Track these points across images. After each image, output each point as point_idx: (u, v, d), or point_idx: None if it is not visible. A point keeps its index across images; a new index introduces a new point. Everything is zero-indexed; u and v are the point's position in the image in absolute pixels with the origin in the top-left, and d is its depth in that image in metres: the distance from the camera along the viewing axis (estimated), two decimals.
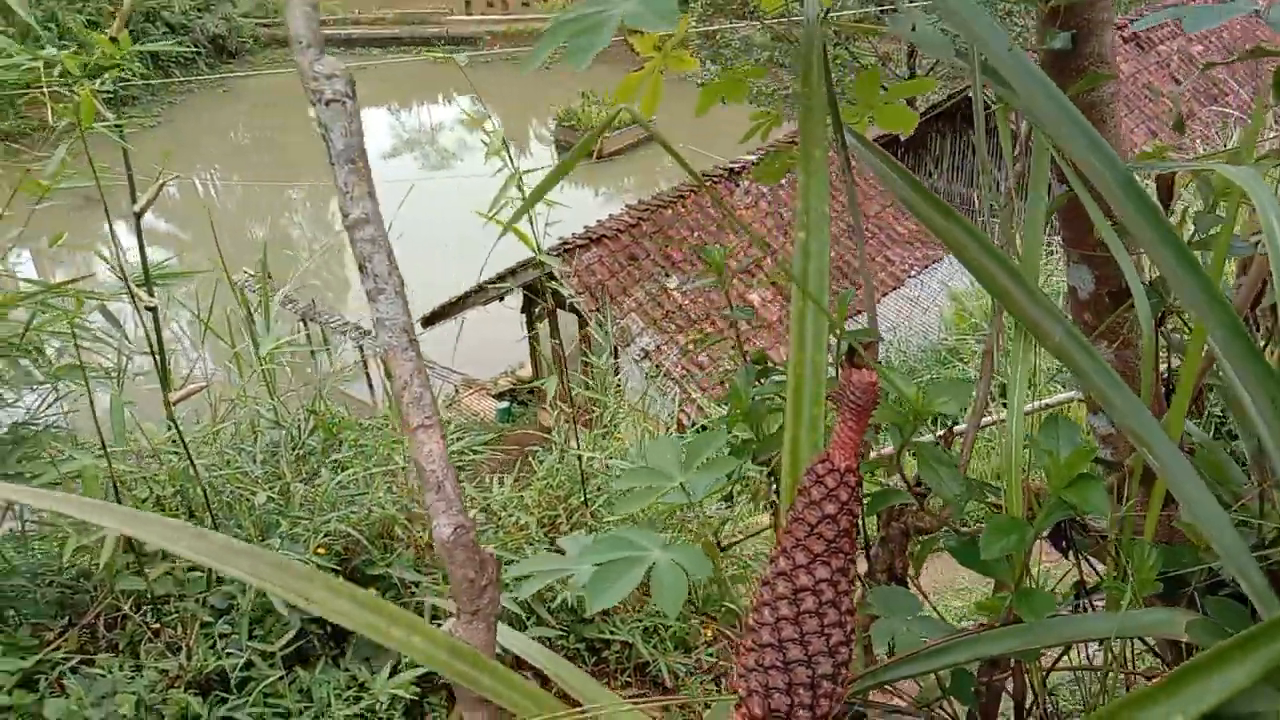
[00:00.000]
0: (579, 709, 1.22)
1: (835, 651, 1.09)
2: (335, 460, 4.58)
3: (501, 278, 12.65)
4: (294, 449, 4.63)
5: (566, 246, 12.16)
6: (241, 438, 4.72)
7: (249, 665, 3.34)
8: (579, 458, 4.60)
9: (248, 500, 4.02)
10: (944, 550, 1.52)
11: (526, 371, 14.73)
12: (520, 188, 3.64)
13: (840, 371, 1.47)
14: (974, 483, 1.31)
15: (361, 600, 1.20)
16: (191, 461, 3.45)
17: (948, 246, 1.36)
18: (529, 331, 13.66)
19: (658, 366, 11.41)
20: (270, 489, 4.14)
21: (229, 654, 3.28)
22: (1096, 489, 1.16)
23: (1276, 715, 1.23)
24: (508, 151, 3.73)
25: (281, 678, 3.37)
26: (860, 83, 1.81)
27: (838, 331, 1.36)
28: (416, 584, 3.85)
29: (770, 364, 1.77)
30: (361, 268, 1.20)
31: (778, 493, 1.58)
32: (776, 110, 1.87)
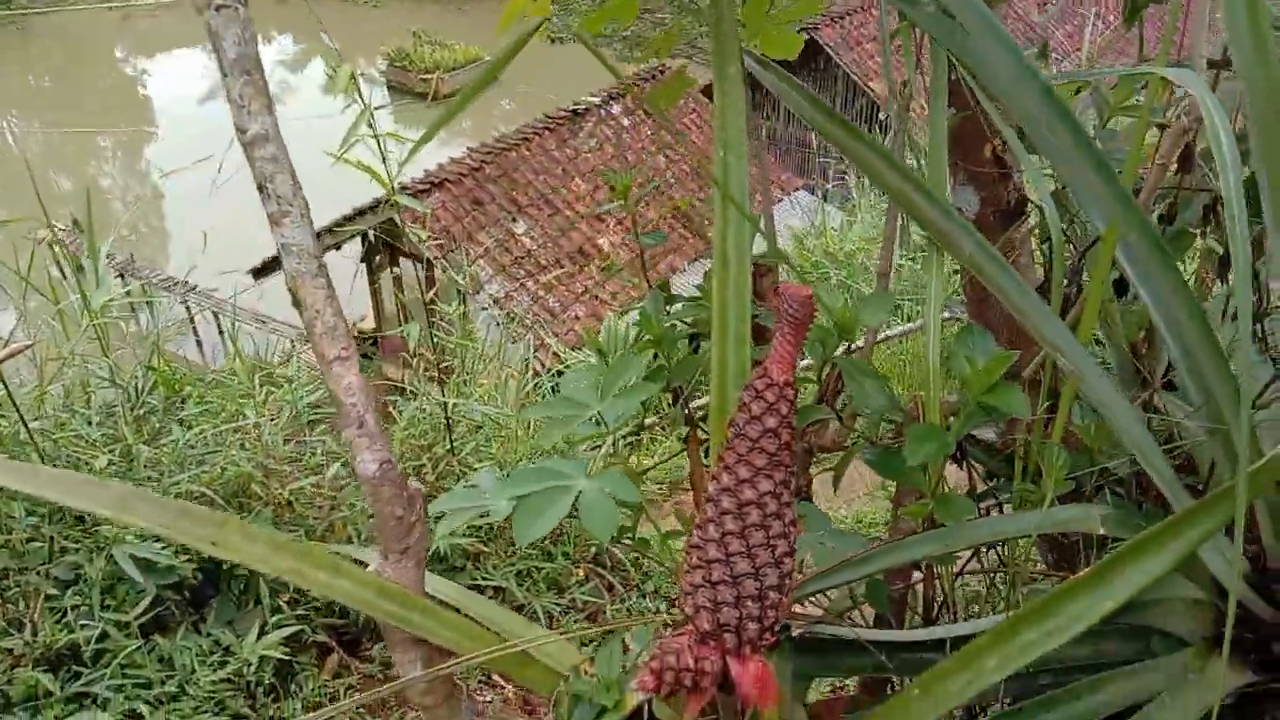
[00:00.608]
0: (513, 642, 1.18)
1: (780, 563, 1.09)
2: (180, 419, 4.33)
3: (340, 224, 12.18)
4: (133, 409, 4.35)
5: (409, 191, 11.78)
6: (73, 400, 4.41)
7: (104, 637, 3.14)
8: (444, 405, 4.50)
9: (88, 465, 3.76)
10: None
11: (369, 323, 14.29)
12: (371, 125, 3.47)
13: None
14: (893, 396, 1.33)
15: (279, 544, 1.13)
16: (24, 423, 3.18)
17: (855, 164, 1.37)
18: (371, 281, 13.23)
19: (509, 314, 11.27)
20: (110, 452, 3.88)
21: (82, 626, 3.08)
22: (1015, 393, 1.20)
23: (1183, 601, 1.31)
24: (358, 88, 3.55)
25: (139, 647, 3.19)
26: (749, 4, 1.79)
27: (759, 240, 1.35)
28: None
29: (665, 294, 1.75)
30: (262, 188, 1.10)
31: (689, 421, 1.58)
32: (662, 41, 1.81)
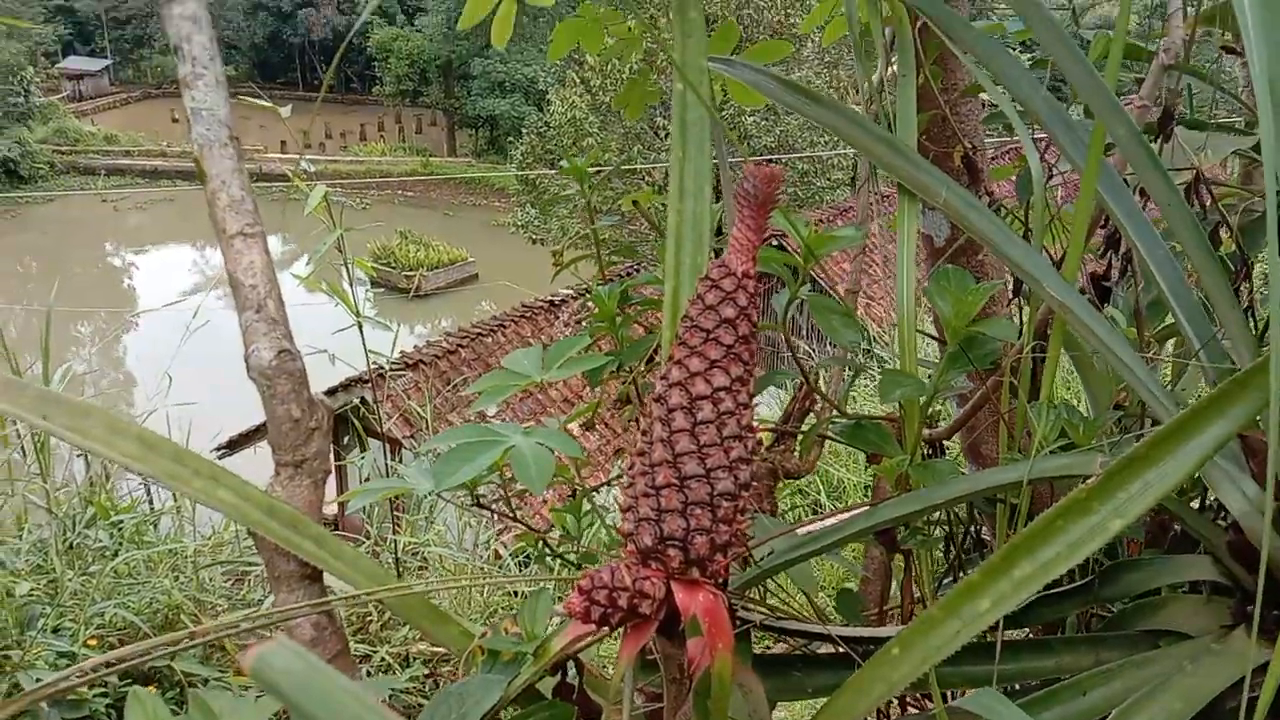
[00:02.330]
0: (422, 581, 1.00)
1: (735, 468, 0.94)
2: (103, 546, 4.14)
3: None
4: (66, 541, 4.17)
5: (382, 371, 11.76)
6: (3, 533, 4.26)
7: None
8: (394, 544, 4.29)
9: (8, 590, 3.52)
10: None
11: (331, 509, 13.93)
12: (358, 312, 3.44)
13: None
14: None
15: (153, 443, 0.97)
16: None
17: (831, 130, 1.31)
18: (337, 461, 12.98)
19: (475, 497, 10.98)
20: (36, 579, 3.68)
21: None
22: (1003, 320, 1.09)
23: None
24: (329, 212, 3.56)
25: None
26: (718, 35, 1.79)
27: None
28: (205, 680, 3.41)
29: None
30: (177, 50, 1.01)
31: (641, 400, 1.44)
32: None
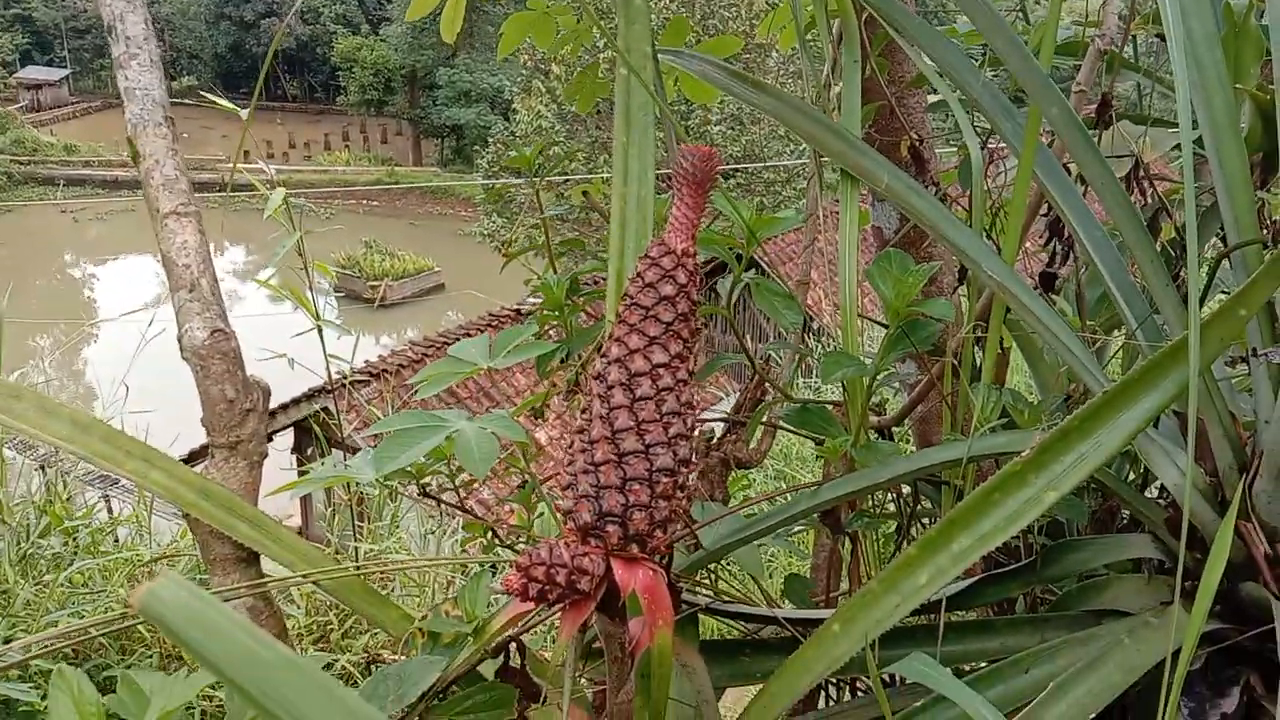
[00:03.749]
0: (366, 563, 0.99)
1: (675, 444, 0.94)
2: (58, 555, 4.07)
3: (272, 414, 11.95)
4: (19, 550, 4.10)
5: (345, 381, 11.65)
6: None
7: None
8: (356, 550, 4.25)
9: None
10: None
11: (295, 520, 13.77)
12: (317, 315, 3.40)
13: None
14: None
15: (85, 425, 0.95)
16: None
17: (775, 117, 1.32)
18: (300, 473, 12.84)
19: (439, 503, 10.90)
20: None
21: None
22: (942, 301, 1.10)
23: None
24: (289, 213, 3.53)
25: None
26: (670, 29, 1.80)
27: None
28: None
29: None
30: (110, 30, 1.00)
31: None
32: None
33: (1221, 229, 1.18)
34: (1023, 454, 0.93)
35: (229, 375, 0.96)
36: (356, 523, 5.39)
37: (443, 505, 1.40)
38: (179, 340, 0.96)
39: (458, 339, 12.34)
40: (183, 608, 0.43)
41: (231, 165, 1.89)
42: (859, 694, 1.38)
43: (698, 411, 0.97)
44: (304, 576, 0.95)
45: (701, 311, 1.07)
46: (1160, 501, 1.21)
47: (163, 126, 0.99)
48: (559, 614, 0.93)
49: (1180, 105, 0.80)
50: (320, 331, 3.55)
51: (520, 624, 0.99)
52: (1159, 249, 1.24)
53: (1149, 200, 1.44)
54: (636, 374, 0.94)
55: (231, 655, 0.44)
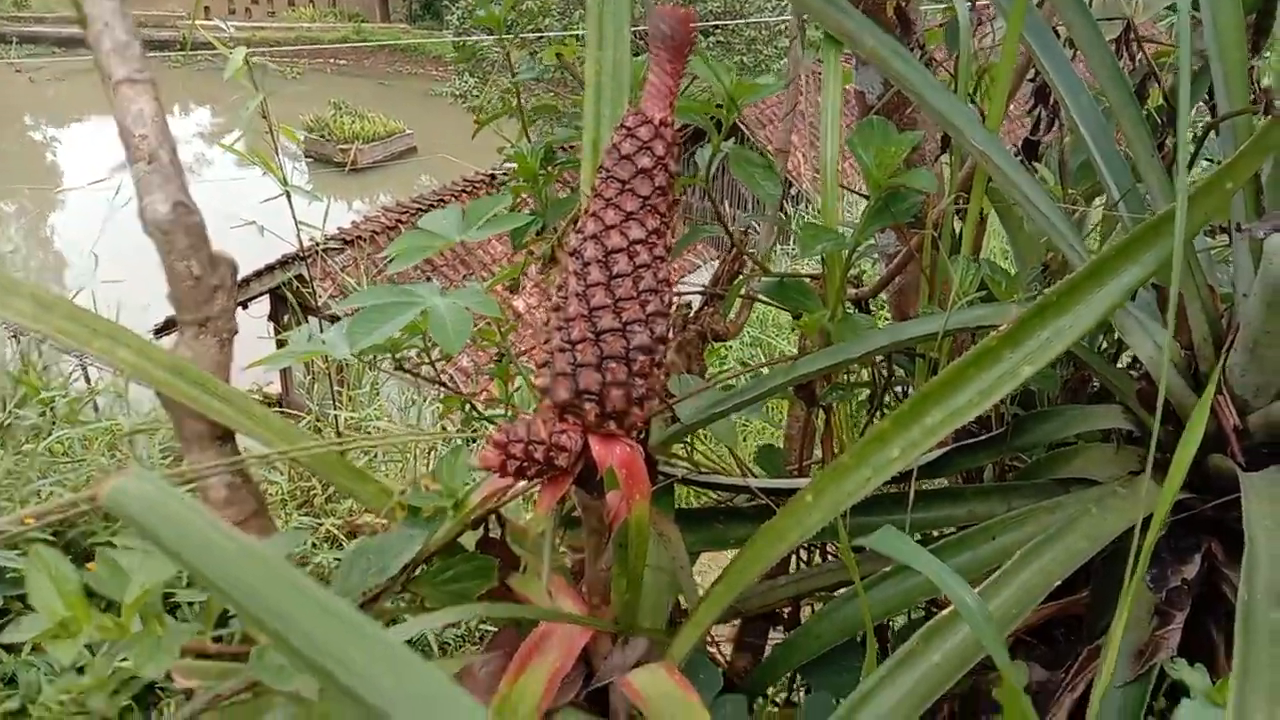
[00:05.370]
0: (347, 438, 0.99)
1: (651, 322, 0.93)
2: (35, 425, 4.07)
3: (246, 281, 11.83)
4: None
5: (318, 248, 11.50)
6: None
7: None
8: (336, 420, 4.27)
9: None
10: None
11: (275, 388, 13.80)
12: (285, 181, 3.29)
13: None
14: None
15: (47, 303, 0.93)
16: None
17: None
18: (278, 341, 12.80)
19: (415, 377, 10.94)
20: None
21: None
22: (924, 172, 1.08)
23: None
24: (253, 78, 3.40)
25: None
26: None
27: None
28: None
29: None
30: None
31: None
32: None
33: (1210, 96, 1.15)
34: (999, 328, 0.93)
35: (193, 250, 0.94)
36: (336, 390, 5.41)
37: (419, 379, 1.40)
38: (140, 214, 0.93)
39: (432, 205, 12.16)
40: (146, 499, 0.43)
41: (190, 22, 1.81)
42: (829, 558, 1.42)
43: (674, 285, 0.96)
44: (281, 453, 0.95)
45: (679, 183, 1.05)
46: (1132, 373, 1.22)
47: None
48: (537, 488, 0.94)
49: None
50: (289, 198, 3.47)
51: (499, 498, 1.00)
52: (1144, 116, 1.22)
53: (1136, 65, 1.41)
54: (613, 250, 0.92)
55: (197, 548, 0.44)
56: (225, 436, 0.98)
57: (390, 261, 1.24)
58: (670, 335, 0.95)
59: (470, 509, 0.95)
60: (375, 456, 4.35)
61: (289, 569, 0.45)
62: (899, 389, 1.58)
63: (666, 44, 0.93)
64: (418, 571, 0.96)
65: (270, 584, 0.44)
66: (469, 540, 1.06)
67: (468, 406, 1.45)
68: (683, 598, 1.18)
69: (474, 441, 1.62)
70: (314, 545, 3.66)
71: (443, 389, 1.44)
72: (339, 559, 3.36)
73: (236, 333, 1.00)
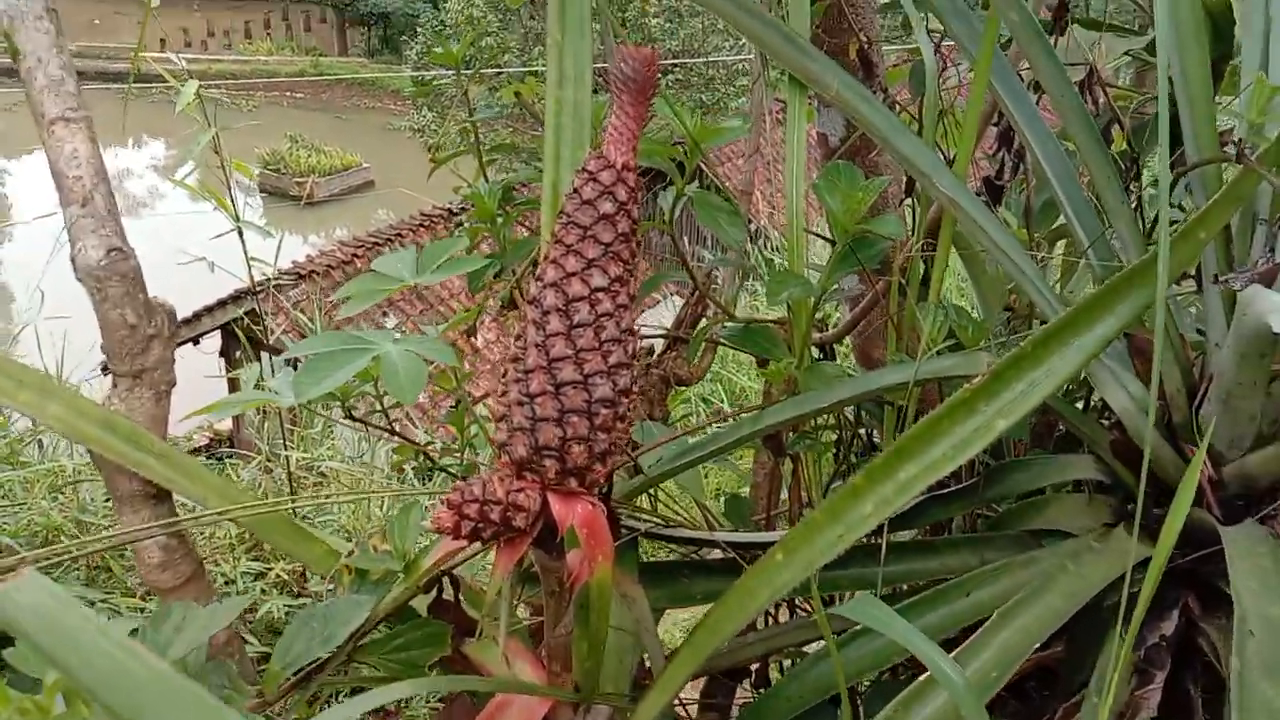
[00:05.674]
0: (286, 498, 0.93)
1: (614, 373, 0.89)
2: None
3: (198, 316, 11.63)
4: None
5: (271, 284, 11.34)
6: None
7: None
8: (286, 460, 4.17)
9: None
10: None
11: (226, 425, 13.53)
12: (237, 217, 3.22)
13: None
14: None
15: None
16: None
17: (724, 19, 1.24)
18: (229, 375, 12.58)
19: (367, 426, 10.76)
20: None
21: None
22: (891, 218, 1.05)
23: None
24: (203, 107, 3.33)
25: None
26: None
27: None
28: (92, 603, 3.29)
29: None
30: None
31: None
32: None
33: (1177, 143, 1.14)
34: (973, 380, 0.90)
35: (129, 298, 0.88)
36: (288, 428, 5.28)
37: (371, 427, 1.34)
38: (72, 260, 0.88)
39: (389, 239, 12.01)
40: (41, 610, 0.37)
41: (134, 54, 1.76)
42: (797, 613, 1.38)
43: (638, 334, 0.92)
44: (219, 514, 0.89)
45: (642, 227, 1.01)
46: (1104, 422, 1.19)
47: (44, 20, 0.88)
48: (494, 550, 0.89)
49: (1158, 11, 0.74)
50: (240, 233, 3.39)
51: (453, 559, 0.94)
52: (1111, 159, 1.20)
53: (1099, 111, 1.40)
54: (574, 299, 0.88)
55: (96, 669, 0.39)
56: (161, 495, 0.92)
57: (345, 302, 1.19)
58: (634, 387, 0.91)
59: (422, 573, 0.90)
60: (327, 499, 4.25)
61: (199, 691, 0.40)
62: (864, 431, 1.56)
63: (629, 86, 0.90)
64: (365, 640, 0.90)
65: (182, 711, 0.39)
66: (421, 604, 1.01)
67: (421, 457, 1.39)
68: (646, 658, 1.13)
69: (430, 497, 1.56)
70: (263, 591, 3.55)
71: (396, 438, 1.38)
72: (290, 607, 3.26)
73: (174, 384, 0.94)
